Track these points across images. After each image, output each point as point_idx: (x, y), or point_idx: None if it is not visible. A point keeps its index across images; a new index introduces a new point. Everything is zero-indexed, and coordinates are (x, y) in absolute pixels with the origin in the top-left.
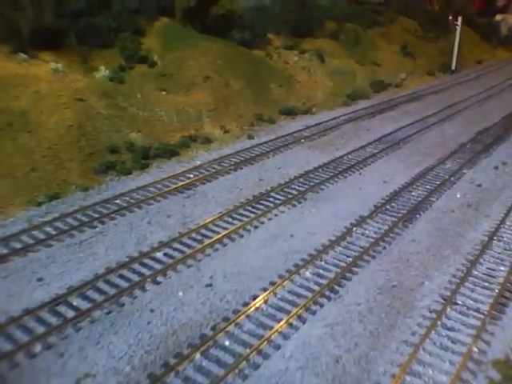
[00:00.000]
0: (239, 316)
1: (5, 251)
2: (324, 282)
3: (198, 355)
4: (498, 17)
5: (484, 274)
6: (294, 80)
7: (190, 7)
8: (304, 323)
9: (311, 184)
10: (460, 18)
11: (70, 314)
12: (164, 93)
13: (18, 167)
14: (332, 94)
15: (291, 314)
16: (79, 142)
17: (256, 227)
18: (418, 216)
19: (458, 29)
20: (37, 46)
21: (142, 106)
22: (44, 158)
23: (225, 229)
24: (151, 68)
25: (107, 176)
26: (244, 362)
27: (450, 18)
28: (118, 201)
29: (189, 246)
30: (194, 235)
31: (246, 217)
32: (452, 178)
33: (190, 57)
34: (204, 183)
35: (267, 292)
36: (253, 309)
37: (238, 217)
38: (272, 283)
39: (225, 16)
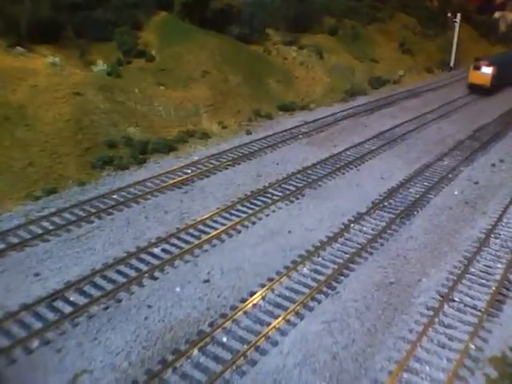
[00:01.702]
0: (237, 312)
1: (2, 246)
2: (321, 278)
3: (195, 351)
4: (497, 14)
5: (481, 271)
6: (293, 76)
7: (188, 1)
8: (301, 319)
9: (309, 180)
10: (459, 15)
11: (68, 309)
12: (162, 87)
13: (16, 161)
14: (330, 90)
15: (289, 311)
16: (77, 137)
17: (254, 223)
18: (415, 213)
19: (457, 26)
20: (34, 40)
21: (139, 101)
22: (41, 152)
23: (222, 224)
24: (149, 62)
25: (104, 171)
26: (241, 358)
27: (449, 15)
28: (115, 196)
29: (186, 242)
30: (191, 231)
31: (244, 213)
32: (449, 175)
33: (189, 51)
34: (202, 179)
35: (265, 288)
36: (250, 305)
37: (236, 213)
38: (270, 279)
39: (223, 10)
